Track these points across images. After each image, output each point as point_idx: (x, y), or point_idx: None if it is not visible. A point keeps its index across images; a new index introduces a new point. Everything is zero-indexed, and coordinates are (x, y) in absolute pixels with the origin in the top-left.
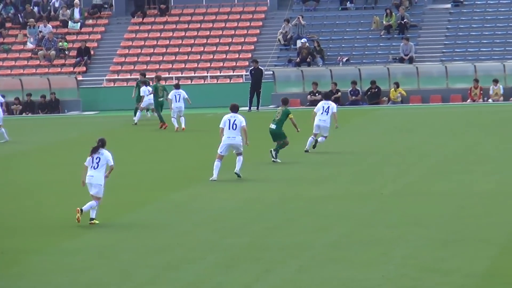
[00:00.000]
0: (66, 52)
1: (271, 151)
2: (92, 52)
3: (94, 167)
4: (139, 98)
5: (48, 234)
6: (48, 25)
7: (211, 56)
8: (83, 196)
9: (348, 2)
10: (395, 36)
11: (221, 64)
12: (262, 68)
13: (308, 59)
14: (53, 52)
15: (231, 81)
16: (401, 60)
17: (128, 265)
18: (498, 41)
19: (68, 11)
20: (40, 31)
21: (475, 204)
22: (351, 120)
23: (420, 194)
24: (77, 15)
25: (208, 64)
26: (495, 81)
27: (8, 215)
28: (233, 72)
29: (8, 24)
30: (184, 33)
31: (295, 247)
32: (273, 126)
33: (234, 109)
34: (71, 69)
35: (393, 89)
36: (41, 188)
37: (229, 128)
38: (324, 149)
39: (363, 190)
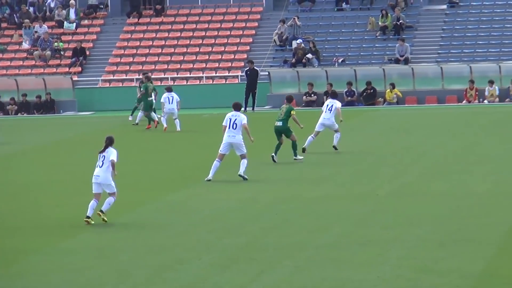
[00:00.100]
0: (62, 53)
1: (272, 156)
2: (87, 53)
3: (99, 165)
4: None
5: (46, 234)
6: (43, 25)
7: (207, 57)
8: (83, 196)
9: (344, 3)
10: (391, 37)
11: (216, 64)
12: (257, 68)
13: (303, 60)
14: (48, 53)
15: (227, 82)
16: (397, 61)
17: (126, 265)
18: (493, 42)
19: (63, 11)
20: (36, 32)
21: (471, 205)
22: (347, 121)
23: (417, 195)
24: (72, 15)
25: (203, 65)
26: (491, 82)
27: (7, 215)
28: (229, 73)
29: (3, 24)
30: (180, 34)
31: (291, 248)
32: (279, 124)
33: (237, 107)
34: (67, 69)
35: (389, 90)
36: (39, 188)
37: (230, 127)
38: (322, 149)
39: (359, 191)
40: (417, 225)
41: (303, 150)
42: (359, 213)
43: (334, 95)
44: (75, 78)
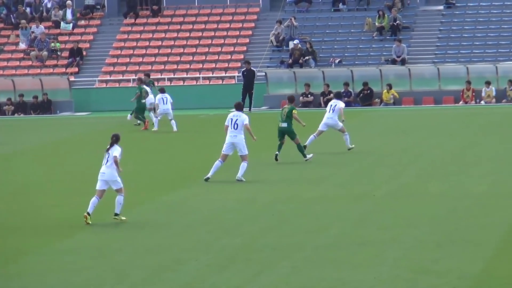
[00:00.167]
0: (58, 53)
1: (276, 155)
2: (84, 53)
3: (105, 163)
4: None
5: (44, 234)
6: (40, 25)
7: (204, 57)
8: (81, 196)
9: (341, 4)
10: (388, 37)
11: (213, 65)
12: (254, 69)
13: (300, 61)
14: (45, 53)
15: (224, 82)
16: (394, 62)
17: (123, 265)
18: (490, 43)
19: (60, 11)
20: (32, 32)
21: (468, 205)
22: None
23: (414, 195)
24: (69, 15)
25: (200, 65)
26: (488, 83)
27: (5, 215)
28: (226, 73)
29: (0, 25)
30: (177, 34)
31: (288, 248)
32: (284, 125)
33: (239, 107)
34: (63, 69)
35: (385, 90)
36: (37, 188)
37: (231, 127)
38: (320, 149)
39: (357, 191)
40: (414, 225)
41: (304, 147)
42: (356, 213)
43: (339, 96)
44: (72, 78)
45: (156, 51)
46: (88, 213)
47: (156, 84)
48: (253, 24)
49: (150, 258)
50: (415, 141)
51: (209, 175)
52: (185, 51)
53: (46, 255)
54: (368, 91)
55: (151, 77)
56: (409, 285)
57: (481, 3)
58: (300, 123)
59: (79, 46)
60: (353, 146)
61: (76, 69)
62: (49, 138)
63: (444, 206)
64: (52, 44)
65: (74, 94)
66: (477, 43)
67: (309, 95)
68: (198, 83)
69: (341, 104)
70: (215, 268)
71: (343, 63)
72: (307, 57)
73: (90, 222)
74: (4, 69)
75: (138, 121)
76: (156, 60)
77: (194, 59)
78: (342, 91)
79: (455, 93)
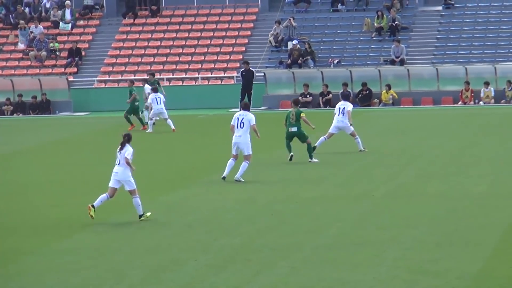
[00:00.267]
0: (57, 53)
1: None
2: (83, 53)
3: (117, 163)
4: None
5: (43, 234)
6: (39, 26)
7: (202, 58)
8: (80, 196)
9: (339, 4)
10: (386, 38)
11: (212, 65)
12: (253, 69)
13: (299, 61)
14: (44, 53)
15: (222, 83)
16: (392, 62)
17: (122, 265)
18: (489, 43)
19: (59, 12)
20: (31, 32)
21: (467, 206)
22: None
23: (413, 196)
24: (68, 16)
25: (199, 66)
26: (486, 84)
27: (3, 215)
28: (224, 74)
29: None
30: (175, 34)
31: (287, 248)
32: (294, 129)
33: (245, 107)
34: (62, 70)
35: (384, 91)
36: (36, 188)
37: (237, 127)
38: (319, 149)
39: (356, 192)
40: (414, 226)
41: (314, 148)
42: (356, 213)
43: (346, 97)
44: (71, 78)
45: (155, 51)
46: (92, 205)
47: (161, 83)
48: (252, 25)
49: (149, 258)
50: (414, 142)
51: (225, 174)
52: (184, 51)
53: (45, 255)
54: (367, 92)
55: (155, 76)
56: (408, 285)
57: (480, 4)
58: (310, 125)
59: (78, 46)
60: (365, 149)
61: (75, 69)
62: (48, 138)
63: (443, 206)
64: (51, 44)
65: (73, 94)
66: (476, 43)
67: (308, 96)
68: (197, 83)
69: (349, 107)
70: (214, 268)
71: (342, 63)
72: (306, 58)
73: (93, 215)
74: (3, 69)
75: (147, 120)
76: (155, 60)
77: (193, 59)
78: (341, 91)
79: (454, 93)
